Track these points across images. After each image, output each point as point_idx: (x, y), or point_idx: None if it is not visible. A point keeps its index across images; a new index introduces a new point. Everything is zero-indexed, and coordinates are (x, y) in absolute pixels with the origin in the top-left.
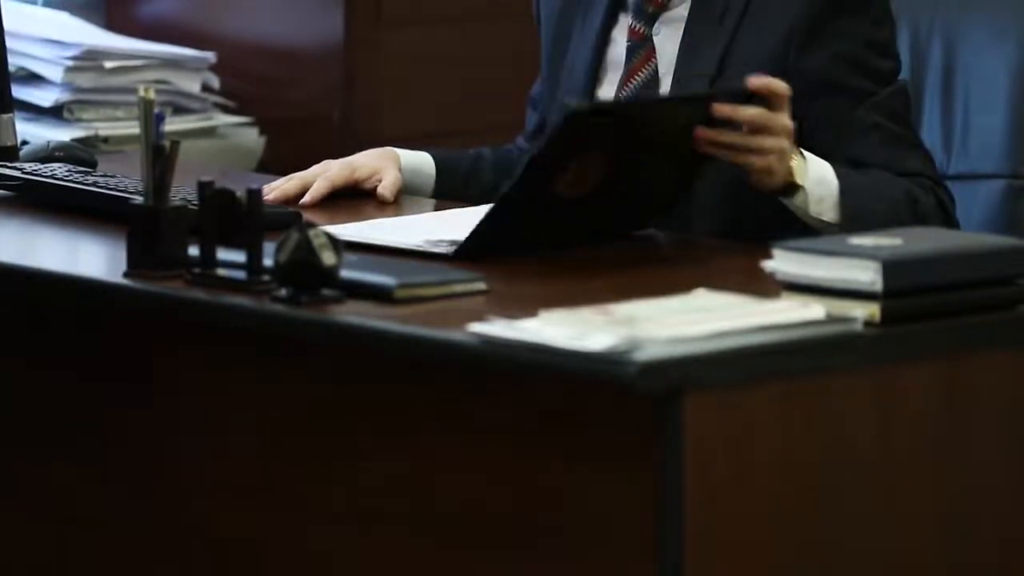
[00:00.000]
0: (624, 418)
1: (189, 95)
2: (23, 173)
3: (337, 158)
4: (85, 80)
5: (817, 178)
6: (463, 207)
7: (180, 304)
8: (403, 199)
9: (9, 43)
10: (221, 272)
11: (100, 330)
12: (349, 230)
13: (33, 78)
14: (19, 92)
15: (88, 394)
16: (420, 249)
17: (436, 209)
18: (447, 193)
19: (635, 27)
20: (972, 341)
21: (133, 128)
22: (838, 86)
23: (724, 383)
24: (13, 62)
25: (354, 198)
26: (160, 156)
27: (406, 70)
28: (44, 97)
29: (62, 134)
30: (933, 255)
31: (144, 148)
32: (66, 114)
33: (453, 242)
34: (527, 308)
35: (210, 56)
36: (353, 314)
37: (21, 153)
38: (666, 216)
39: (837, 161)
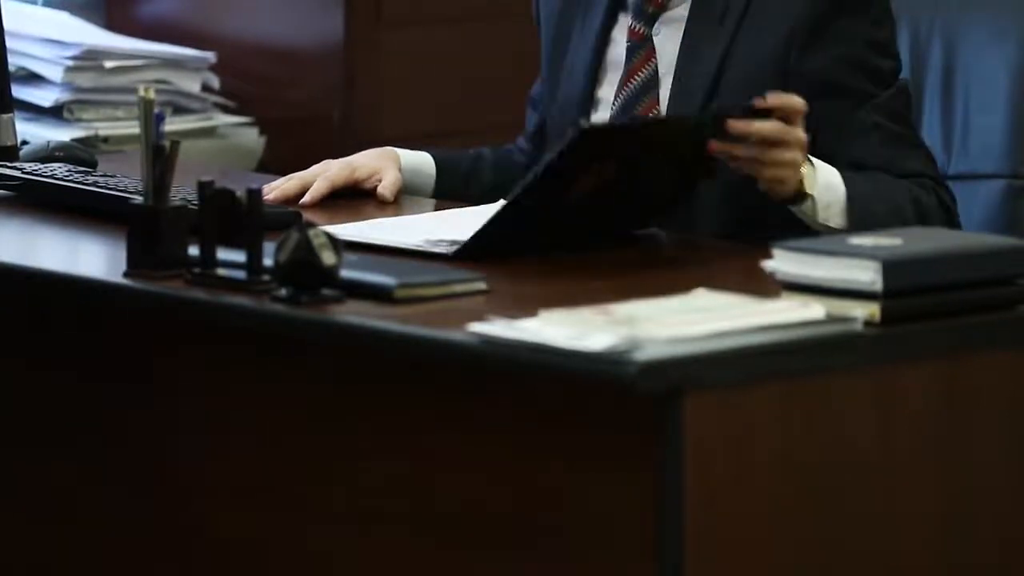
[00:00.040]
0: (624, 418)
1: (189, 95)
2: (23, 173)
3: (337, 158)
4: (85, 80)
5: (825, 185)
6: (463, 207)
7: (180, 304)
8: (403, 199)
9: (9, 43)
10: (221, 272)
11: (100, 330)
12: (349, 230)
13: (33, 78)
14: (19, 92)
15: (88, 394)
16: (420, 249)
17: (436, 209)
18: (447, 193)
19: (635, 27)
20: (972, 341)
21: (133, 128)
22: (840, 87)
23: (724, 383)
24: (13, 62)
25: (354, 198)
26: (160, 156)
27: (406, 70)
28: (44, 97)
29: (62, 134)
30: (933, 255)
31: (144, 148)
32: (66, 114)
33: (453, 242)
34: (527, 308)
35: (210, 56)
36: (353, 314)
37: (21, 153)
38: (667, 216)
39: (839, 162)
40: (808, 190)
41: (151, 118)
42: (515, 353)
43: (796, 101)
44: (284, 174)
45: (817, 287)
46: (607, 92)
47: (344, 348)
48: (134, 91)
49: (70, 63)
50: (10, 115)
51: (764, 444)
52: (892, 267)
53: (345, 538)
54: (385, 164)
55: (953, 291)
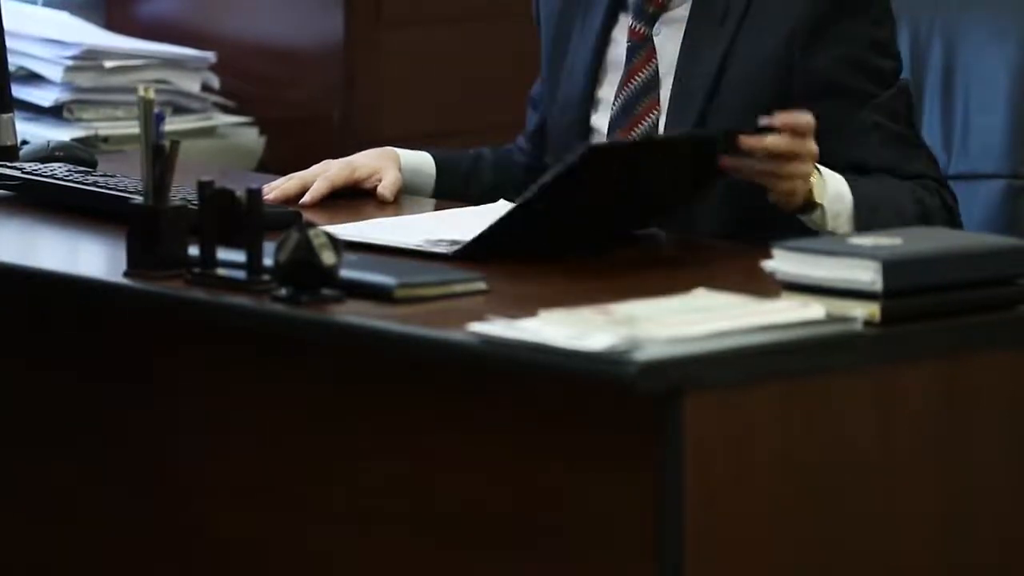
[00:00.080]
0: (624, 418)
1: (189, 95)
2: (23, 173)
3: (337, 158)
4: (85, 80)
5: (834, 194)
6: (463, 207)
7: (180, 304)
8: (403, 199)
9: (9, 43)
10: (221, 272)
11: (100, 330)
12: (349, 230)
13: (33, 78)
14: (19, 92)
15: (88, 394)
16: (420, 249)
17: (436, 209)
18: (447, 193)
19: (635, 27)
20: (972, 341)
21: (133, 128)
22: (840, 87)
23: (724, 383)
24: (13, 62)
25: (354, 198)
26: (160, 156)
27: (406, 70)
28: (44, 97)
29: (62, 134)
30: (933, 255)
31: (144, 148)
32: (66, 114)
33: (453, 242)
34: (527, 308)
35: (210, 56)
36: (353, 314)
37: (21, 153)
38: (667, 216)
39: (839, 162)
40: (818, 200)
41: (151, 118)
42: (515, 353)
43: (805, 118)
44: (284, 174)
45: (817, 287)
46: (607, 92)
47: (344, 348)
48: (134, 91)
49: (70, 63)
50: (10, 115)
51: (764, 444)
52: (892, 267)
53: (345, 538)
54: (385, 164)
55: (953, 291)
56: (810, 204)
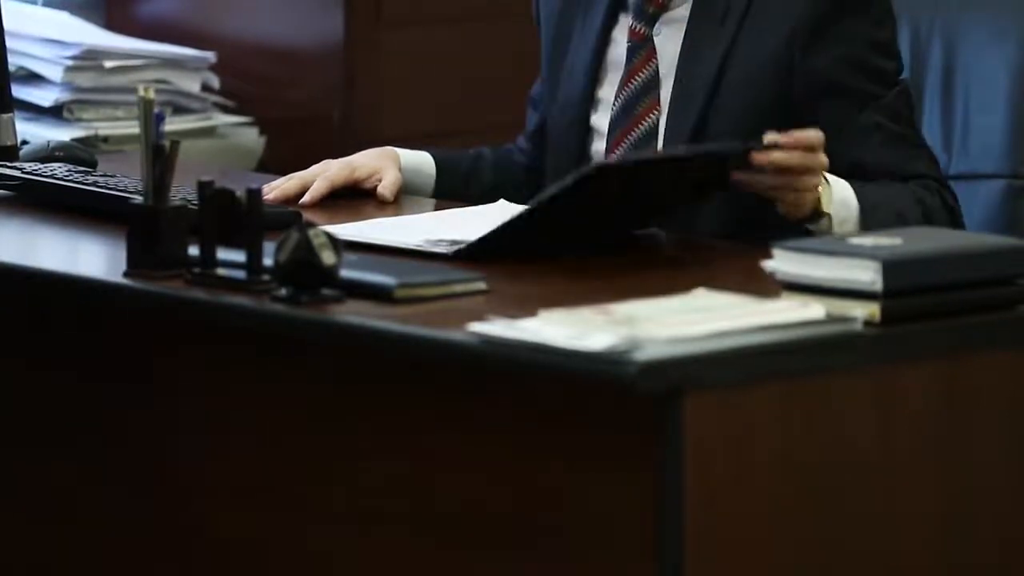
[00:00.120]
0: (624, 418)
1: (189, 95)
2: (23, 173)
3: (337, 158)
4: (85, 80)
5: (840, 201)
6: (463, 207)
7: (180, 304)
8: (403, 199)
9: (9, 43)
10: (221, 272)
11: (100, 330)
12: (349, 230)
13: (33, 78)
14: (19, 92)
15: (88, 394)
16: (420, 249)
17: (436, 209)
18: (447, 193)
19: (636, 27)
20: (972, 341)
21: (133, 128)
22: (842, 88)
23: (724, 383)
24: (13, 62)
25: (354, 198)
26: (160, 156)
27: (406, 70)
28: (44, 97)
29: (62, 134)
30: (933, 255)
31: (144, 148)
32: (66, 114)
33: (453, 242)
34: (527, 308)
35: (210, 56)
36: (353, 314)
37: (21, 153)
38: (667, 216)
39: (840, 162)
40: (825, 208)
41: (151, 118)
42: (515, 353)
43: (815, 134)
44: (284, 174)
45: (817, 287)
46: (607, 92)
47: (344, 348)
48: (134, 91)
49: (70, 63)
50: (10, 115)
51: (764, 444)
52: (892, 267)
53: (345, 538)
54: (385, 164)
55: (953, 291)
56: (817, 213)
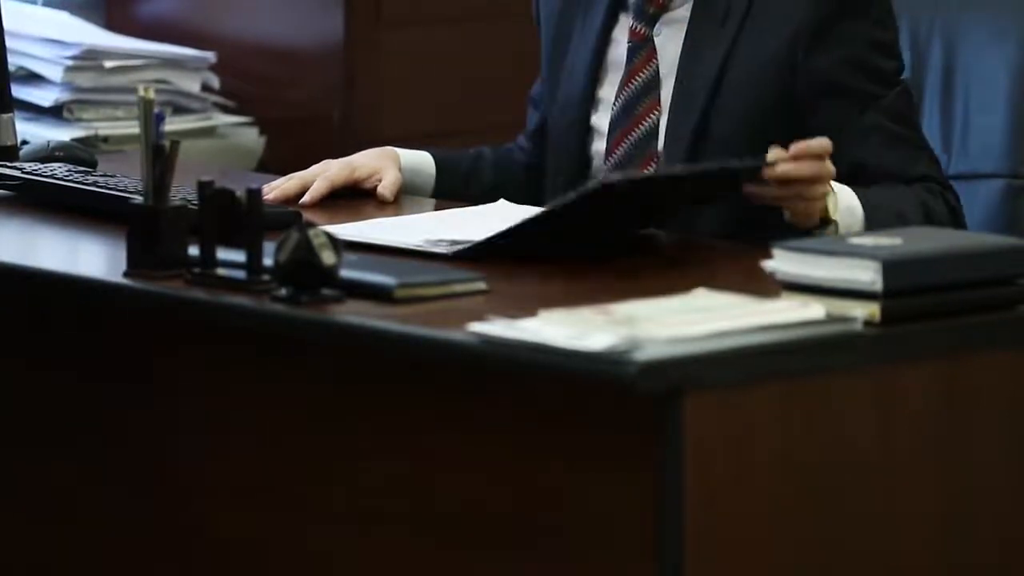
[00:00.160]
0: (624, 418)
1: (189, 95)
2: (23, 173)
3: (337, 158)
4: (85, 80)
5: (846, 208)
6: (463, 207)
7: (180, 304)
8: (403, 199)
9: (9, 43)
10: (221, 272)
11: (100, 330)
12: (349, 230)
13: (33, 78)
14: (19, 92)
15: (88, 394)
16: (420, 249)
17: (436, 209)
18: (447, 193)
19: (636, 28)
20: (972, 341)
21: (133, 128)
22: (843, 89)
23: (724, 383)
24: (13, 62)
25: (354, 198)
26: (160, 156)
27: (406, 70)
28: (44, 97)
29: (62, 134)
30: (933, 255)
31: (144, 148)
32: (66, 114)
33: (453, 242)
34: (527, 308)
35: (210, 56)
36: (353, 314)
37: (21, 153)
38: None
39: (841, 163)
40: (832, 215)
41: (151, 118)
42: (515, 353)
43: (821, 142)
44: (284, 174)
45: (817, 287)
46: (608, 92)
47: (344, 348)
48: (134, 91)
49: (70, 63)
50: (10, 115)
51: (764, 444)
52: (892, 267)
53: (345, 538)
54: (385, 164)
55: (953, 291)
56: (824, 220)
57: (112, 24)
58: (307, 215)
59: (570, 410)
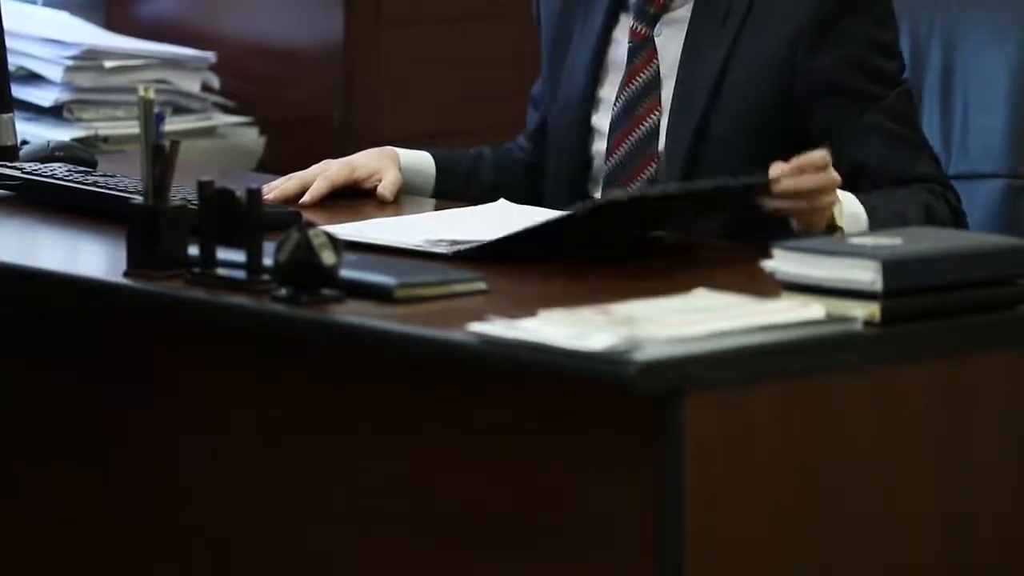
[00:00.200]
0: (624, 418)
1: (189, 95)
2: (23, 173)
3: (337, 158)
4: (85, 80)
5: (851, 215)
6: (463, 207)
7: (180, 304)
8: (403, 199)
9: (9, 43)
10: (221, 272)
11: (100, 330)
12: (349, 230)
13: (33, 78)
14: (19, 92)
15: (88, 394)
16: (420, 249)
17: (436, 209)
18: (447, 193)
19: (636, 28)
20: (972, 341)
21: (133, 128)
22: (843, 89)
23: (724, 383)
24: (13, 62)
25: (354, 198)
26: (160, 156)
27: (406, 70)
28: (44, 97)
29: (62, 134)
30: (933, 255)
31: (144, 148)
32: (66, 114)
33: (453, 242)
34: (527, 308)
35: (210, 56)
36: (353, 314)
37: (21, 153)
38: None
39: (841, 163)
40: (838, 223)
41: (151, 118)
42: (515, 353)
43: (820, 154)
44: (284, 174)
45: (817, 287)
46: (608, 92)
47: (344, 348)
48: (134, 91)
49: (70, 63)
50: (10, 115)
51: (764, 444)
52: (892, 267)
53: (345, 538)
54: (385, 164)
55: (953, 291)
56: (831, 227)
57: (112, 24)
58: (307, 215)
59: (570, 410)
